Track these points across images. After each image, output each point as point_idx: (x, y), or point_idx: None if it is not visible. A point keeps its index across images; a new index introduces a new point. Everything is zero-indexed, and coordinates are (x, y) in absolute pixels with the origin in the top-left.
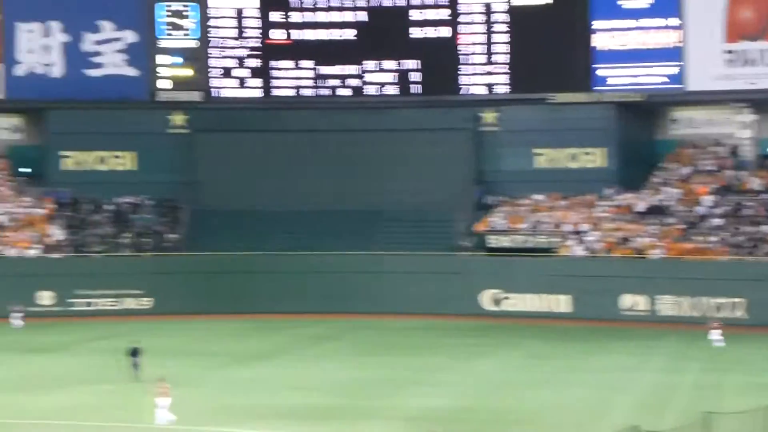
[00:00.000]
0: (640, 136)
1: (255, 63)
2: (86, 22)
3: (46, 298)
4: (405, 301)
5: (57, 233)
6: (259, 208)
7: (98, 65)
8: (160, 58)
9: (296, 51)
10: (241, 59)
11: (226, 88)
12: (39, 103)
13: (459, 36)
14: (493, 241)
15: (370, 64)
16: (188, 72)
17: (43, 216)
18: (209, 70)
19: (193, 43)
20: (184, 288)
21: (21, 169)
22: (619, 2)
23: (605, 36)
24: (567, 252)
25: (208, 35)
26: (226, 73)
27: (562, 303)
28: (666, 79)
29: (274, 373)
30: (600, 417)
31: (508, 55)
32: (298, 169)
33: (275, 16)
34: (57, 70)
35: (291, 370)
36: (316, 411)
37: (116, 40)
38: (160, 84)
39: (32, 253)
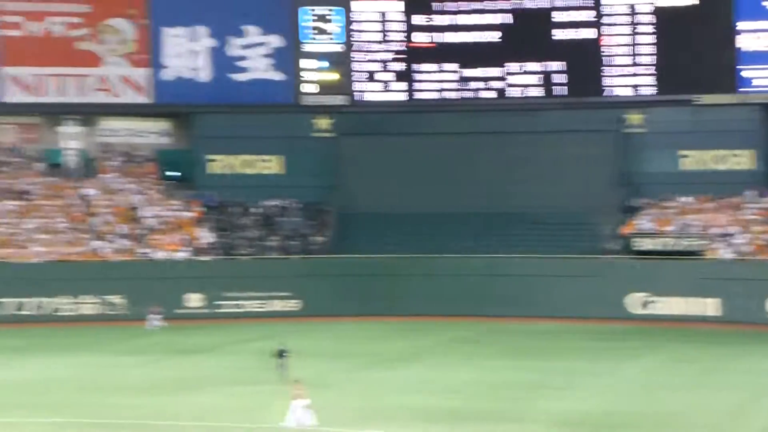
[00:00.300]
0: None
1: (399, 66)
2: (232, 26)
3: (194, 300)
4: (548, 305)
5: (205, 236)
6: (402, 211)
7: (244, 69)
8: (304, 63)
9: (440, 54)
10: (385, 63)
11: (370, 92)
12: (186, 108)
13: (603, 37)
14: (639, 244)
15: (513, 66)
16: (333, 76)
17: (191, 219)
18: (353, 73)
19: (337, 47)
20: (330, 290)
21: (169, 173)
22: (763, 3)
23: (750, 37)
24: (715, 255)
25: (352, 39)
26: (370, 76)
27: (709, 306)
28: None
29: (417, 375)
30: (745, 420)
31: (654, 57)
32: (441, 172)
33: (419, 20)
34: (204, 75)
35: (433, 372)
36: (458, 414)
37: (262, 44)
38: (305, 88)
39: (181, 255)
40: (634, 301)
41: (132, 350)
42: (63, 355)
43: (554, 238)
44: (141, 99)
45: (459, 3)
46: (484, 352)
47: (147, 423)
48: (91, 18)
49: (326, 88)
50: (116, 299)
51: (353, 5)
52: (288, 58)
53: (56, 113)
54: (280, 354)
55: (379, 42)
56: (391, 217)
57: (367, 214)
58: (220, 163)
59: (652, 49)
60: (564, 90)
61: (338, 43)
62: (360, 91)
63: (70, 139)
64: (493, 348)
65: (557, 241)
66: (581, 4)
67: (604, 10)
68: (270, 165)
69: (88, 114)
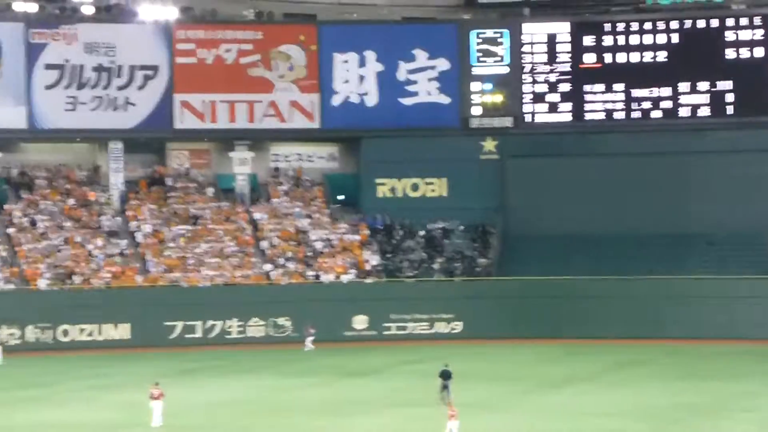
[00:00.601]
0: None
1: (566, 87)
2: (401, 51)
3: (360, 322)
4: (725, 326)
5: (371, 259)
6: (569, 232)
7: (412, 93)
8: (471, 85)
9: (607, 74)
10: (552, 84)
11: (538, 113)
12: (354, 132)
13: None
14: None
15: (683, 86)
16: (499, 98)
17: (357, 242)
18: (520, 95)
19: (504, 69)
20: (494, 312)
21: (336, 197)
22: None
23: None
24: None
25: (521, 61)
26: (537, 98)
27: None
28: None
29: (582, 398)
30: None
31: None
32: (609, 193)
33: (587, 41)
34: (371, 99)
35: (599, 395)
36: None
37: (430, 68)
38: (472, 111)
39: (347, 278)
40: None
41: (302, 372)
42: (237, 378)
43: (729, 258)
44: (310, 124)
45: (628, 23)
46: (659, 374)
47: None
48: (262, 45)
49: (492, 110)
50: (284, 321)
51: (523, 27)
52: (454, 81)
53: (227, 139)
54: (445, 376)
55: (547, 63)
56: (556, 239)
57: (532, 236)
58: (387, 187)
59: None
60: (733, 109)
61: (505, 65)
62: (527, 113)
63: (241, 165)
64: (662, 370)
65: (727, 262)
66: (752, 24)
67: None
68: (435, 187)
69: (258, 139)
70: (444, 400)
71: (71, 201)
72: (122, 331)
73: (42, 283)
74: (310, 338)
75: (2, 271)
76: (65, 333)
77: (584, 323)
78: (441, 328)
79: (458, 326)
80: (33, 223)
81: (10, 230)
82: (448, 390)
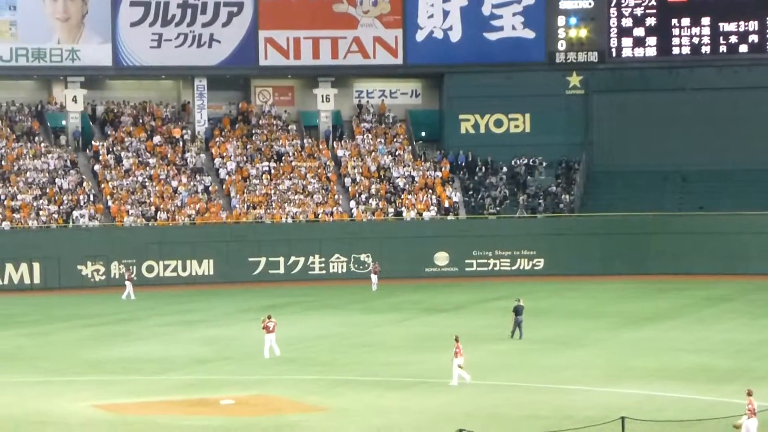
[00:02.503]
0: None
1: (652, 21)
2: None
3: (442, 259)
4: None
5: (454, 195)
6: (654, 168)
7: (496, 28)
8: (557, 20)
9: (694, 8)
10: (638, 18)
11: (623, 48)
12: (437, 68)
13: None
14: None
15: None
16: (584, 33)
17: (440, 179)
18: (606, 29)
19: (589, 3)
20: (577, 249)
21: (419, 133)
22: None
23: None
24: None
25: None
26: (623, 32)
27: None
28: None
29: (669, 334)
30: None
31: None
32: (695, 128)
33: None
34: (455, 34)
35: (686, 331)
36: (711, 373)
37: (514, 2)
38: (557, 45)
39: (429, 215)
40: None
41: (384, 308)
42: (320, 313)
43: None
44: (393, 60)
45: None
46: (746, 311)
47: (419, 380)
48: None
49: (577, 45)
50: (365, 258)
51: None
52: (539, 15)
53: (311, 75)
54: (517, 311)
55: None
56: (641, 174)
57: (617, 172)
58: (470, 123)
59: None
60: None
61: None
62: (612, 47)
63: (324, 101)
64: (748, 306)
65: None
66: None
67: None
68: (519, 123)
69: (341, 76)
70: (519, 336)
71: (156, 138)
72: (206, 267)
73: (127, 220)
74: (376, 277)
75: (88, 208)
76: (150, 269)
77: (670, 259)
78: (523, 264)
79: (540, 263)
80: (118, 160)
81: (96, 167)
82: (521, 325)
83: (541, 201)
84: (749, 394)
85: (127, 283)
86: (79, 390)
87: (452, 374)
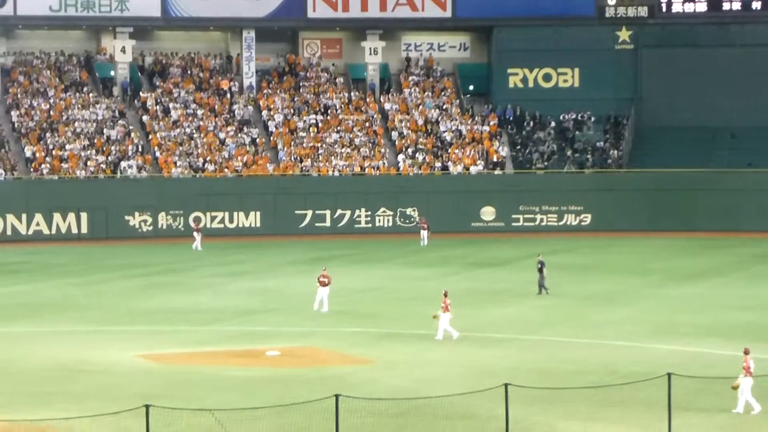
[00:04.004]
0: None
1: None
2: None
3: (488, 214)
4: None
5: (501, 150)
6: (702, 124)
7: None
8: None
9: None
10: None
11: (673, 3)
12: (486, 21)
13: None
14: None
15: None
16: None
17: (487, 133)
18: None
19: None
20: (624, 205)
21: (467, 87)
22: None
23: None
24: None
25: None
26: None
27: None
28: None
29: (717, 291)
30: None
31: None
32: (744, 84)
33: None
34: None
35: (734, 288)
36: (759, 331)
37: None
38: (607, 0)
39: (476, 169)
40: None
41: (430, 262)
42: (366, 267)
43: None
44: (442, 13)
45: None
46: None
47: (464, 334)
48: None
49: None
50: (411, 212)
51: None
52: None
53: (359, 28)
54: (540, 268)
55: None
56: (690, 130)
57: (665, 128)
58: (518, 77)
59: None
60: None
61: None
62: (663, 2)
63: (372, 54)
64: None
65: None
66: None
67: None
68: (568, 78)
69: (389, 29)
70: (543, 291)
71: (204, 89)
72: (253, 220)
73: (175, 171)
74: (425, 232)
75: (135, 159)
76: (197, 221)
77: (718, 216)
78: (570, 220)
79: (587, 219)
80: (166, 111)
81: (144, 118)
82: (544, 280)
83: (588, 156)
84: (746, 352)
85: (196, 234)
86: (127, 340)
87: (438, 328)
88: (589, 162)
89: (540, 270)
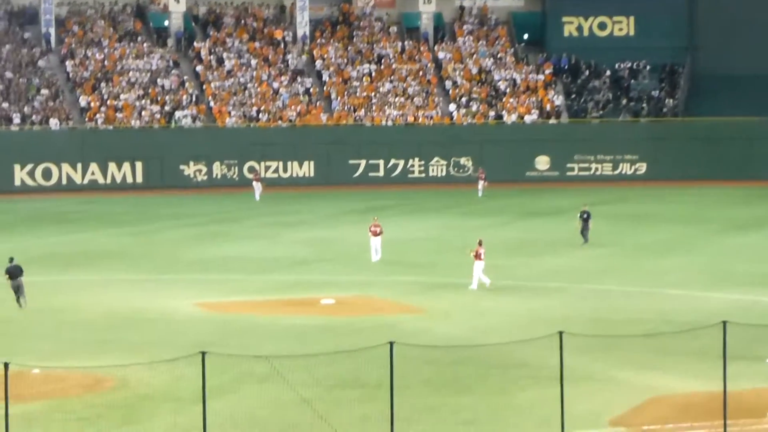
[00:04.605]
0: None
1: None
2: None
3: (543, 163)
4: None
5: (556, 99)
6: (759, 72)
7: None
8: None
9: None
10: None
11: None
12: None
13: None
14: None
15: None
16: None
17: (542, 82)
18: None
19: None
20: (680, 154)
21: (522, 36)
22: None
23: None
24: None
25: None
26: None
27: None
28: None
29: None
30: None
31: None
32: None
33: None
34: None
35: None
36: None
37: None
38: None
39: (531, 118)
40: None
41: (484, 212)
42: (419, 216)
43: None
44: None
45: None
46: None
47: (518, 283)
48: None
49: None
50: (465, 162)
51: None
52: None
53: None
54: (584, 217)
55: None
56: (747, 79)
57: (722, 76)
58: (573, 25)
59: None
60: None
61: None
62: None
63: (426, 3)
64: None
65: None
66: None
67: None
68: (623, 26)
69: None
70: (586, 241)
71: (258, 39)
72: (306, 169)
73: (229, 121)
74: (482, 182)
75: (190, 108)
76: (251, 170)
77: None
78: (625, 169)
79: (643, 168)
80: (220, 61)
81: (198, 68)
82: (586, 232)
83: (644, 105)
84: None
85: (255, 184)
86: (182, 288)
87: (473, 277)
88: (644, 111)
89: (585, 220)
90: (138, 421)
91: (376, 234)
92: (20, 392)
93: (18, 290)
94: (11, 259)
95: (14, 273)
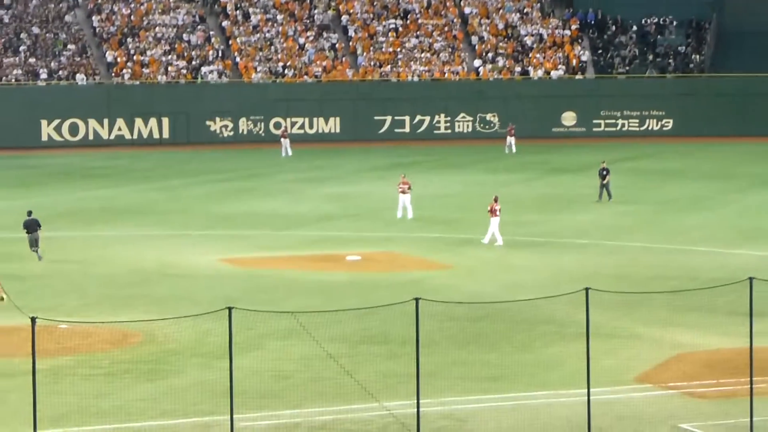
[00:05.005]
0: None
1: None
2: None
3: (569, 119)
4: None
5: (582, 54)
6: None
7: None
8: None
9: None
10: None
11: None
12: None
13: None
14: None
15: None
16: None
17: (568, 37)
18: None
19: None
20: (707, 110)
21: None
22: None
23: None
24: None
25: None
26: None
27: None
28: None
29: None
30: None
31: None
32: None
33: None
34: None
35: None
36: None
37: None
38: None
39: (557, 74)
40: None
41: (509, 168)
42: (445, 172)
43: None
44: None
45: None
46: None
47: (544, 240)
48: None
49: None
50: (491, 117)
51: None
52: None
53: None
54: (603, 174)
55: None
56: None
57: (749, 32)
58: None
59: None
60: None
61: None
62: None
63: None
64: None
65: None
66: None
67: None
68: None
69: None
70: (604, 198)
71: None
72: (332, 125)
73: (255, 77)
74: (512, 138)
75: (216, 64)
76: (277, 126)
77: None
78: (652, 125)
79: (669, 123)
80: (246, 17)
81: (224, 23)
82: (608, 187)
83: (670, 61)
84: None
85: (283, 140)
86: (208, 244)
87: (486, 232)
88: (671, 66)
89: (603, 176)
90: (164, 376)
91: (404, 191)
92: (47, 347)
93: (35, 243)
94: (29, 213)
95: (31, 227)
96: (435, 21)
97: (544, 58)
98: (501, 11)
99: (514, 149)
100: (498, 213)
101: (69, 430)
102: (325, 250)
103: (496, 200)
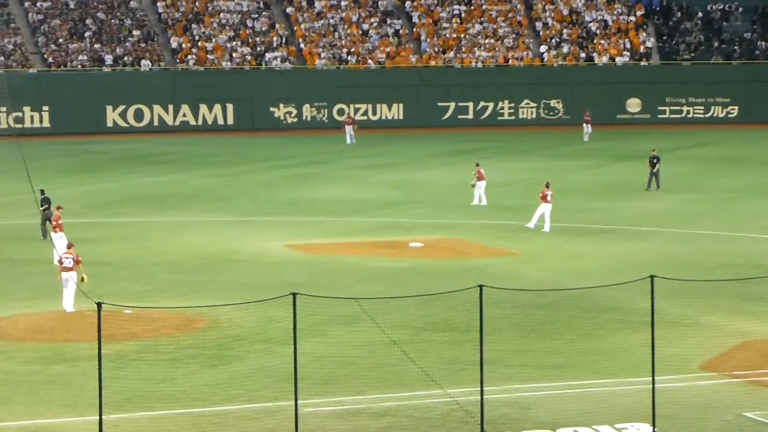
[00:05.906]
0: None
1: None
2: None
3: (634, 105)
4: None
5: (647, 41)
6: None
7: None
8: None
9: None
10: None
11: None
12: None
13: None
14: None
15: None
16: None
17: (633, 24)
18: None
19: None
20: None
21: None
22: None
23: None
24: None
25: None
26: None
27: None
28: None
29: None
30: None
31: None
32: None
33: None
34: None
35: None
36: None
37: None
38: None
39: (622, 60)
40: None
41: (573, 154)
42: (509, 159)
43: None
44: None
45: None
46: None
47: (608, 227)
48: None
49: None
50: (555, 104)
51: None
52: None
53: None
54: (653, 162)
55: None
56: None
57: None
58: None
59: None
60: None
61: None
62: None
63: None
64: None
65: None
66: None
67: None
68: None
69: None
70: (653, 187)
71: None
72: (396, 111)
73: (319, 63)
74: (589, 126)
75: (280, 50)
76: (341, 112)
77: None
78: (717, 112)
79: (735, 110)
80: (310, 3)
81: (289, 9)
82: (657, 176)
83: (736, 47)
84: None
85: (347, 127)
86: (272, 230)
87: (533, 217)
88: (737, 53)
89: (653, 164)
90: (228, 362)
91: (479, 178)
92: (113, 332)
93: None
94: (42, 191)
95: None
96: (499, 7)
97: (608, 44)
98: None
99: (587, 137)
100: (549, 199)
101: (133, 414)
102: (388, 237)
103: (547, 186)
